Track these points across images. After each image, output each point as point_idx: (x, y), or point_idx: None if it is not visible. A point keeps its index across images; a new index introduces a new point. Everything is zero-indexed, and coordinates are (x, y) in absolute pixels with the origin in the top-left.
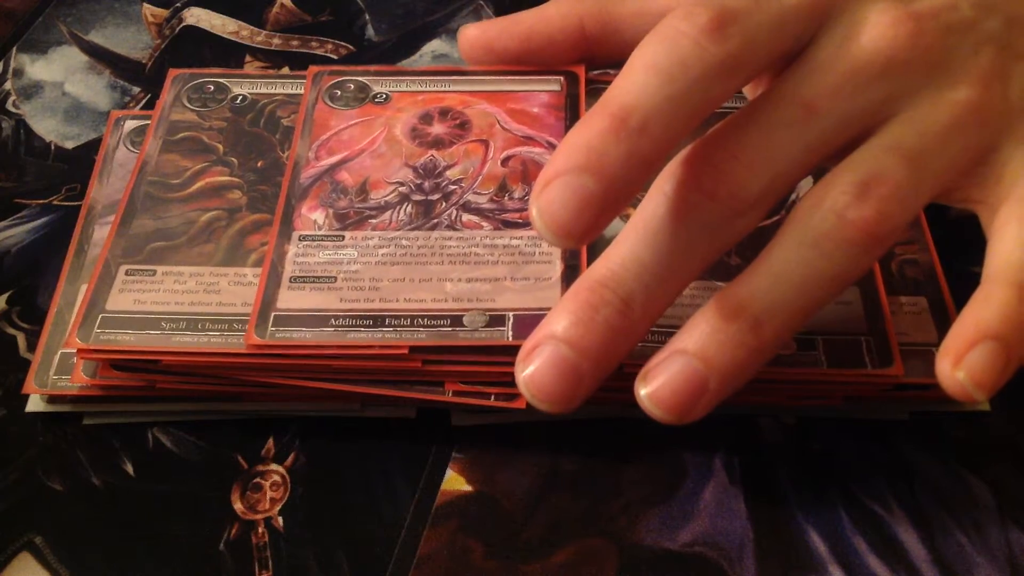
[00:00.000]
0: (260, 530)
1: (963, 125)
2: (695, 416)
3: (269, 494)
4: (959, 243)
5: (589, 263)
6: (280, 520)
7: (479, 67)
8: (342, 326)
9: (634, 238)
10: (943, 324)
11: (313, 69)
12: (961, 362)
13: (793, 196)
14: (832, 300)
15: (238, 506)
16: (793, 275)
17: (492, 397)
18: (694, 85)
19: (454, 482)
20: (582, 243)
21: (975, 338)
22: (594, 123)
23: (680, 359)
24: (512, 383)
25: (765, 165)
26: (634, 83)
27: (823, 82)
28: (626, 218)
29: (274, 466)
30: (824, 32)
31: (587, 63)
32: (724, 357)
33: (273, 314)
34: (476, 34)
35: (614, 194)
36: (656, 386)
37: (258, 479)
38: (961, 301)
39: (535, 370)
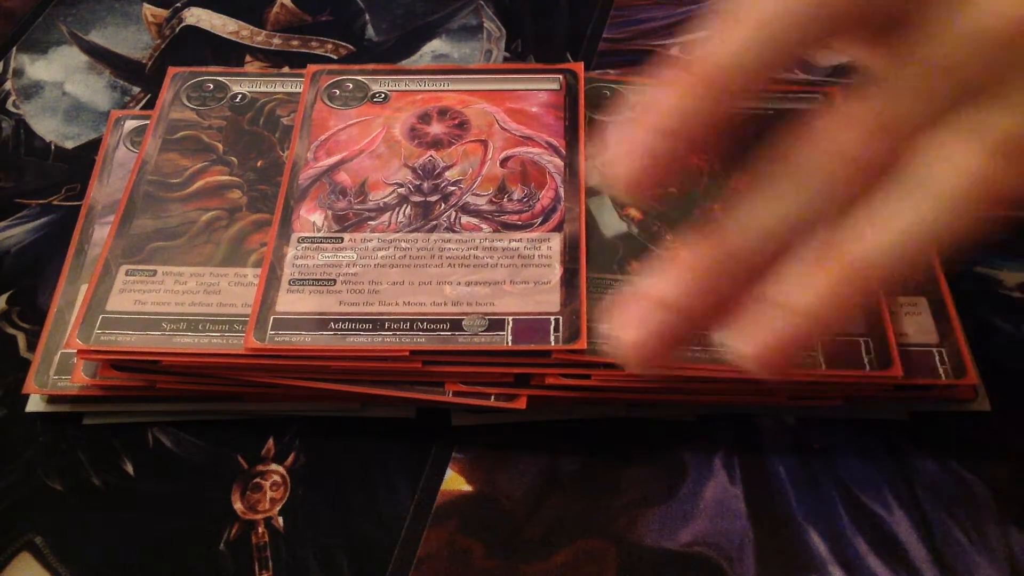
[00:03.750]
0: (260, 530)
1: None
2: (789, 369)
3: (269, 494)
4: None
5: (588, 266)
6: (280, 520)
7: (490, 64)
8: (341, 329)
9: (763, 203)
10: (943, 324)
11: (312, 68)
12: None
13: None
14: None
15: (238, 506)
16: (913, 231)
17: (492, 397)
18: None
19: (454, 482)
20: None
21: None
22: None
23: (784, 315)
24: (512, 383)
25: (902, 134)
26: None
27: (961, 45)
28: (626, 218)
29: (274, 466)
30: None
31: None
32: (830, 313)
33: (272, 317)
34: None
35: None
36: (756, 341)
37: (258, 479)
38: (961, 301)
39: (640, 336)
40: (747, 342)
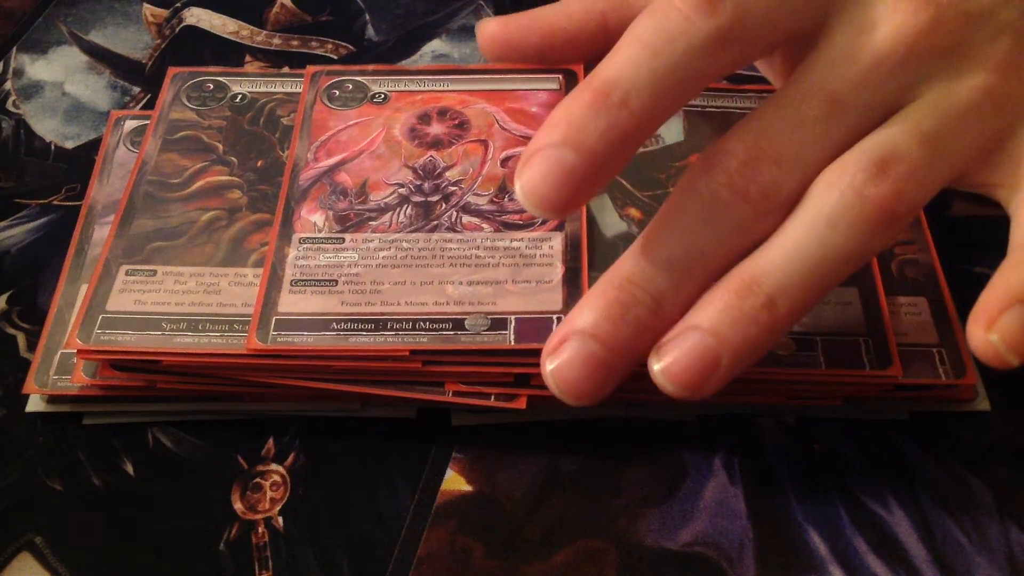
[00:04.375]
0: (260, 530)
1: (980, 110)
2: (707, 392)
3: (269, 494)
4: (959, 243)
5: (589, 266)
6: (280, 520)
7: (490, 64)
8: (343, 330)
9: (665, 235)
10: (943, 324)
11: (311, 69)
12: (994, 325)
13: None
14: (846, 278)
15: (238, 506)
16: (808, 253)
17: (492, 397)
18: (681, 59)
19: (454, 482)
20: (564, 214)
21: (1007, 302)
22: (577, 97)
23: (693, 335)
24: (512, 383)
25: (795, 163)
26: (620, 57)
27: (847, 74)
28: (626, 217)
29: (274, 466)
30: (839, 16)
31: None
32: (737, 334)
33: (274, 318)
34: (495, 29)
35: (594, 167)
36: (669, 361)
37: (258, 479)
38: (961, 301)
39: (562, 364)
40: (658, 360)
